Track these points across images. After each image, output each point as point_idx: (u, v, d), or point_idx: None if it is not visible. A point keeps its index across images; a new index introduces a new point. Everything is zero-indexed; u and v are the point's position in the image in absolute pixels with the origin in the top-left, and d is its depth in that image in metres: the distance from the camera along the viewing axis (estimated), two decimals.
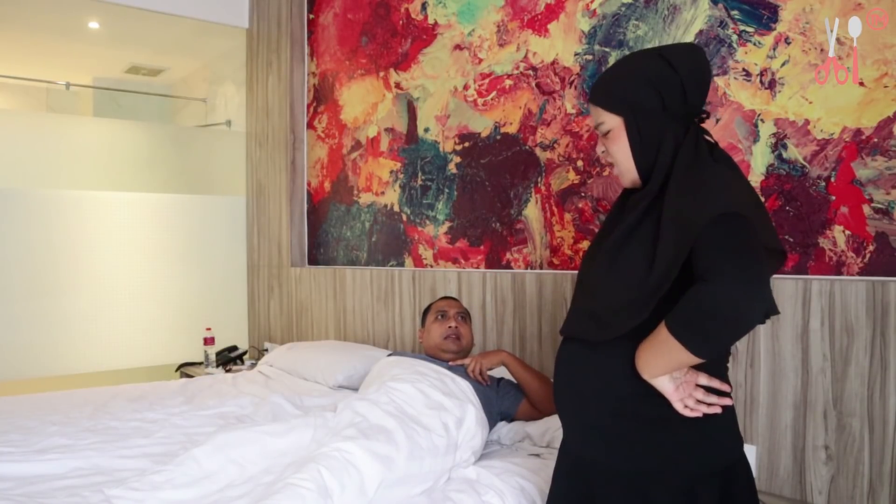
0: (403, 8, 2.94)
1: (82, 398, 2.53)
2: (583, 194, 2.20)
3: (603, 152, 1.25)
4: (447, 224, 2.73)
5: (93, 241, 3.59)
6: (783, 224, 1.69)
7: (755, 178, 1.74)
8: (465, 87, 2.63)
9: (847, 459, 1.53)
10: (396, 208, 3.02)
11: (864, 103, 1.55)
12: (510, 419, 1.99)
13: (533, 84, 2.35)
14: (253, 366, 3.44)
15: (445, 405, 1.77)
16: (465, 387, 1.89)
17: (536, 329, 2.29)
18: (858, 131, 1.56)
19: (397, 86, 3.00)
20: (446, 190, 2.73)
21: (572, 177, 2.22)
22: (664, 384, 1.10)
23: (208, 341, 3.56)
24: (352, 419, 1.67)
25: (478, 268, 2.58)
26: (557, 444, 1.78)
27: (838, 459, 1.54)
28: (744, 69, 1.76)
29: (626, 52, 1.98)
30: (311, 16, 3.63)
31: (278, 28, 3.74)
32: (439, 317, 2.16)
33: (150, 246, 3.77)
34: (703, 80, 1.17)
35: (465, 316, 2.18)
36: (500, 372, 2.11)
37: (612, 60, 2.08)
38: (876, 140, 1.53)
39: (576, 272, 2.16)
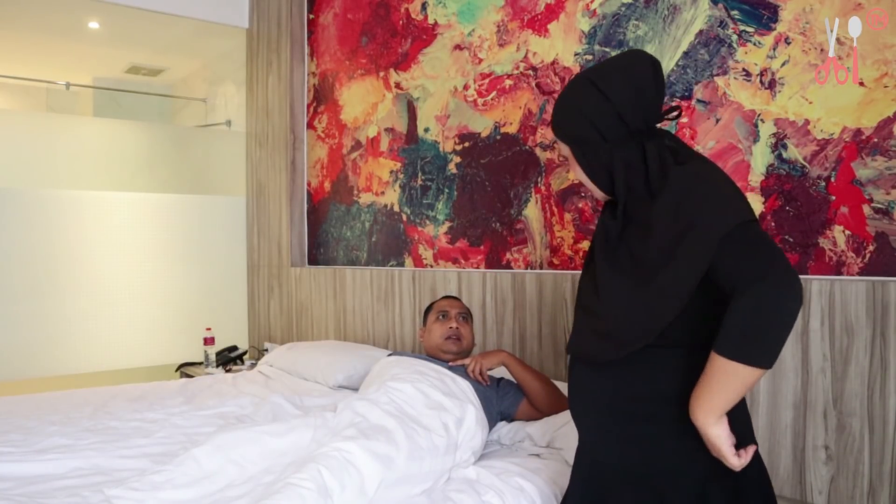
0: (403, 8, 2.94)
1: (82, 398, 2.53)
2: (583, 194, 2.20)
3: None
4: (447, 224, 2.73)
5: (93, 241, 3.59)
6: (783, 224, 1.69)
7: (755, 178, 1.74)
8: (465, 87, 2.63)
9: (847, 459, 1.53)
10: (396, 208, 3.02)
11: (864, 103, 1.55)
12: (510, 419, 1.99)
13: (533, 84, 2.35)
14: (253, 366, 3.44)
15: (445, 405, 1.77)
16: (465, 387, 1.89)
17: (536, 329, 2.29)
18: (858, 131, 1.56)
19: (397, 86, 3.00)
20: (446, 190, 2.73)
21: (572, 177, 2.22)
22: (725, 433, 1.07)
23: (208, 341, 3.56)
24: (352, 419, 1.67)
25: (478, 268, 2.58)
26: (557, 444, 1.79)
27: (838, 459, 1.54)
28: (744, 69, 1.76)
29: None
30: (311, 16, 3.63)
31: (278, 28, 3.74)
32: (440, 317, 2.14)
33: (150, 246, 3.77)
34: (644, 99, 1.14)
35: (466, 316, 2.17)
36: (501, 372, 2.11)
37: None
38: (876, 140, 1.53)
39: (576, 272, 2.17)
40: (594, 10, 2.14)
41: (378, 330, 3.04)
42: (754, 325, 1.00)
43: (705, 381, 1.06)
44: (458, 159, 2.67)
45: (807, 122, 1.65)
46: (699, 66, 1.85)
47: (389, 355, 2.21)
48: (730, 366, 1.02)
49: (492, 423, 1.92)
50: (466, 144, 2.63)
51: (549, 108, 2.29)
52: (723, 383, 1.04)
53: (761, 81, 1.73)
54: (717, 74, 1.81)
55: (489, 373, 2.04)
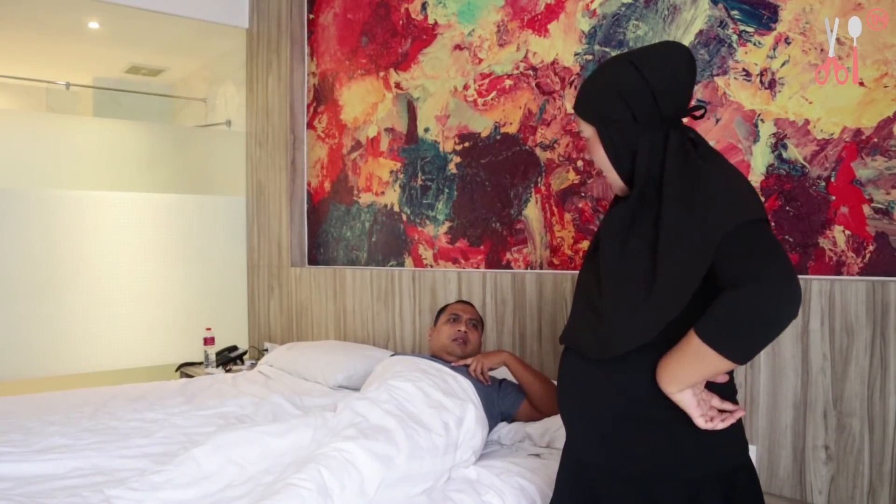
0: (403, 8, 2.94)
1: (82, 398, 2.53)
2: (583, 194, 2.20)
3: (591, 159, 1.26)
4: (447, 224, 2.73)
5: (93, 241, 3.59)
6: (783, 224, 1.69)
7: (755, 178, 1.74)
8: (465, 87, 2.63)
9: (847, 459, 1.53)
10: (396, 208, 3.02)
11: (864, 103, 1.55)
12: (511, 419, 1.99)
13: (533, 84, 2.35)
14: (253, 366, 3.44)
15: (446, 404, 1.77)
16: (466, 385, 1.89)
17: (536, 329, 2.29)
18: (858, 131, 1.56)
19: (397, 86, 3.00)
20: (446, 190, 2.73)
21: (572, 177, 2.22)
22: (688, 399, 1.09)
23: (208, 341, 3.56)
24: (352, 419, 1.68)
25: (478, 268, 2.58)
26: (557, 445, 1.79)
27: (838, 459, 1.54)
28: (744, 69, 1.76)
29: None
30: (311, 16, 3.63)
31: (278, 28, 3.74)
32: (452, 319, 2.17)
33: (150, 246, 3.77)
34: (679, 85, 1.15)
35: (476, 323, 2.19)
36: (502, 372, 2.11)
37: None
38: (876, 140, 1.53)
39: (576, 272, 2.17)
40: (594, 10, 2.14)
41: (378, 330, 3.04)
42: (737, 320, 1.00)
43: (677, 352, 1.08)
44: (458, 159, 2.67)
45: (807, 122, 1.65)
46: (699, 66, 1.85)
47: (392, 355, 2.21)
48: (703, 348, 1.03)
49: (492, 423, 1.92)
50: (466, 144, 2.63)
51: (549, 108, 2.29)
52: (692, 362, 1.06)
53: (761, 81, 1.73)
54: (717, 74, 1.81)
55: (491, 373, 2.04)
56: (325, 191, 3.53)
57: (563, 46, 2.24)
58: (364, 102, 3.22)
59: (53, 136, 3.72)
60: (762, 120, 1.73)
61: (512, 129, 2.43)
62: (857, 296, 1.51)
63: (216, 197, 4.06)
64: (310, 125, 3.66)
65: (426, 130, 2.84)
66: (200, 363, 3.72)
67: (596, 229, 1.35)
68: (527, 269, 2.39)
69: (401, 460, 1.53)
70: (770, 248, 1.02)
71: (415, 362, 1.99)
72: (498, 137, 2.49)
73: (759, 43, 1.73)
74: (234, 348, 3.81)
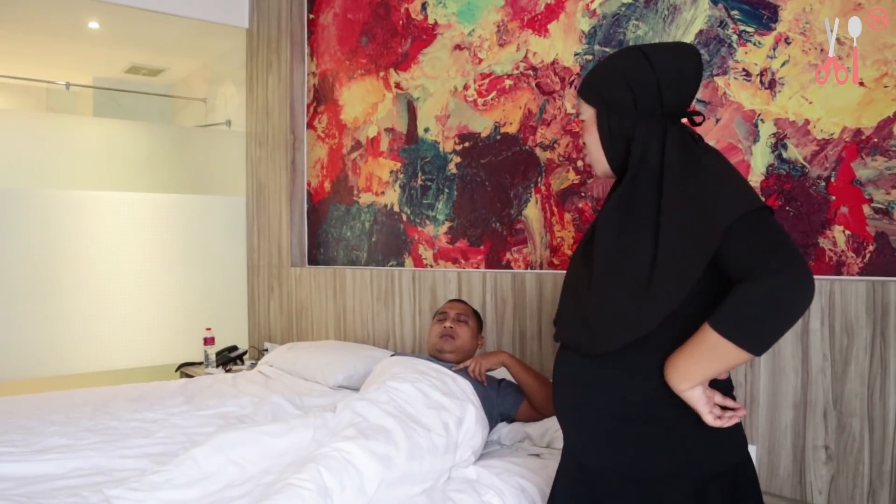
0: (403, 8, 2.94)
1: (82, 398, 2.53)
2: (583, 194, 2.20)
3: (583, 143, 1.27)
4: (447, 224, 2.73)
5: (93, 241, 3.59)
6: (783, 224, 1.69)
7: (755, 178, 1.74)
8: (465, 87, 2.63)
9: (847, 459, 1.53)
10: (396, 208, 3.02)
11: (864, 103, 1.55)
12: (510, 420, 1.99)
13: (533, 84, 2.35)
14: (253, 366, 3.44)
15: (445, 405, 1.77)
16: (465, 386, 1.89)
17: (536, 329, 2.29)
18: (858, 131, 1.56)
19: (397, 86, 3.00)
20: (446, 190, 2.73)
21: (572, 177, 2.22)
22: (698, 395, 1.08)
23: (208, 341, 3.56)
24: (351, 419, 1.68)
25: (478, 268, 2.58)
26: (557, 445, 1.79)
27: (838, 459, 1.54)
28: (744, 69, 1.76)
29: None
30: (311, 16, 3.63)
31: (278, 28, 3.74)
32: (439, 319, 2.19)
33: (150, 246, 3.77)
34: (686, 82, 1.16)
35: (466, 317, 2.18)
36: (501, 373, 2.11)
37: None
38: (876, 140, 1.53)
39: None
40: (594, 10, 2.14)
41: (378, 330, 3.04)
42: (760, 313, 0.99)
43: (690, 349, 1.06)
44: (458, 159, 2.67)
45: (807, 122, 1.65)
46: None
47: (392, 356, 2.22)
48: (720, 342, 1.02)
49: (492, 424, 1.92)
50: (466, 144, 2.63)
51: (549, 108, 2.29)
52: (707, 357, 1.05)
53: (761, 81, 1.73)
54: (717, 74, 1.81)
55: (491, 374, 2.04)
56: (325, 191, 3.53)
57: (563, 46, 2.24)
58: (364, 102, 3.22)
59: (53, 136, 3.72)
60: (762, 120, 1.73)
61: (512, 129, 2.43)
62: (857, 296, 1.51)
63: (216, 197, 4.06)
64: (310, 125, 3.66)
65: (426, 130, 2.84)
66: (200, 363, 3.72)
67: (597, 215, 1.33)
68: (527, 269, 2.39)
69: (400, 460, 1.53)
70: (782, 240, 1.02)
71: (413, 363, 1.99)
72: (498, 137, 2.49)
73: (759, 43, 1.73)
74: (234, 348, 3.81)
